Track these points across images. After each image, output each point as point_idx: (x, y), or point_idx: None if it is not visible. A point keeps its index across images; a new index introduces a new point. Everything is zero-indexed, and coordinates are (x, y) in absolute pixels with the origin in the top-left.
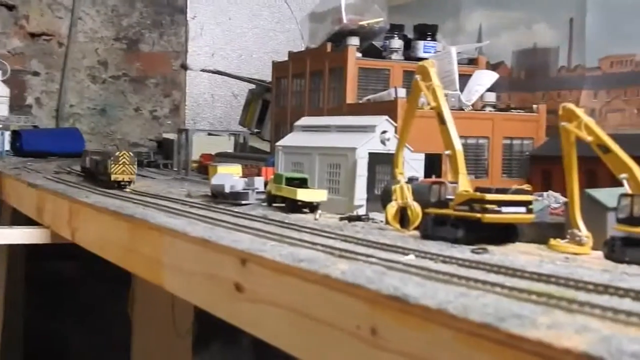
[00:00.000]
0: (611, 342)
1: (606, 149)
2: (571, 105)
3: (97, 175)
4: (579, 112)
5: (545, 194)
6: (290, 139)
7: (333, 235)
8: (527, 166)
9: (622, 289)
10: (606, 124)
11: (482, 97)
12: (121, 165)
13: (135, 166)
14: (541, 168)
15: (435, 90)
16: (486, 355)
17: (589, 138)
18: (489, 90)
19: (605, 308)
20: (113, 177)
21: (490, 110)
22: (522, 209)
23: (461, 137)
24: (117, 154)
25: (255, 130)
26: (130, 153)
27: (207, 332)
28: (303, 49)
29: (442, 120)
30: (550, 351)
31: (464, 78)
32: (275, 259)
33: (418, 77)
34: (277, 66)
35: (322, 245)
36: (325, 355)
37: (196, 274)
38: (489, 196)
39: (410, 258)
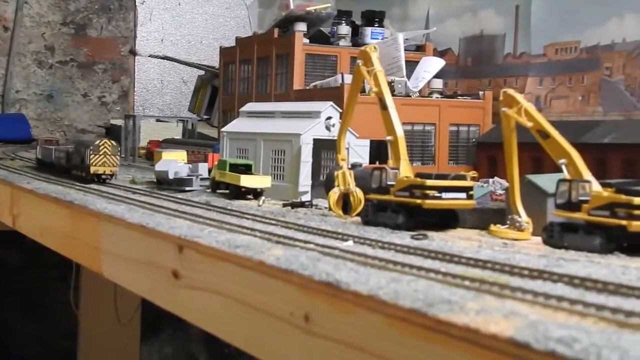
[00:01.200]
0: (538, 327)
1: (546, 135)
2: (511, 91)
3: (69, 168)
4: (519, 97)
5: (491, 180)
6: (235, 125)
7: (274, 222)
8: (474, 153)
9: (556, 274)
10: (551, 110)
11: (429, 83)
12: (102, 156)
13: (118, 157)
14: (487, 154)
15: (377, 75)
16: (415, 340)
17: (529, 124)
18: (435, 76)
19: (537, 293)
20: (93, 169)
21: (437, 97)
22: (463, 195)
23: (408, 123)
24: (97, 142)
25: (205, 116)
26: (112, 142)
27: (155, 319)
28: (251, 35)
29: (384, 106)
30: (478, 336)
31: (411, 64)
32: (211, 245)
33: (360, 62)
34: (224, 52)
35: (261, 232)
36: (260, 343)
37: (134, 261)
38: (429, 182)
39: (349, 244)
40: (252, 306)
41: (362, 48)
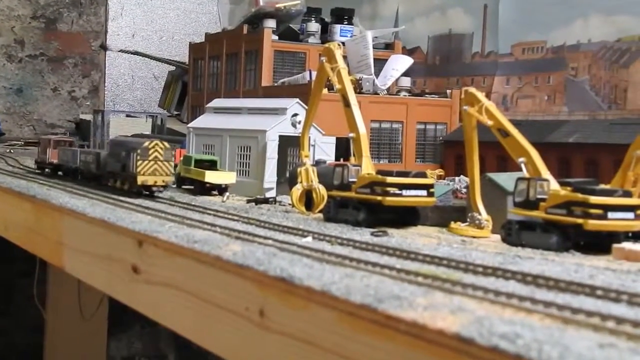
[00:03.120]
0: (484, 323)
1: (506, 133)
2: (473, 90)
3: (100, 176)
4: (480, 96)
5: (457, 178)
6: (201, 121)
7: (236, 218)
8: (441, 151)
9: (509, 272)
10: (517, 110)
11: (397, 81)
12: (152, 162)
13: (172, 163)
14: (454, 152)
15: (341, 72)
16: (365, 335)
17: (490, 122)
18: (404, 75)
19: (487, 290)
20: (140, 179)
21: (405, 95)
22: (423, 193)
23: (376, 121)
24: (146, 144)
25: (175, 112)
26: (165, 143)
27: (123, 315)
28: (220, 31)
29: (347, 103)
30: (425, 332)
31: (380, 62)
32: (170, 240)
33: (324, 59)
34: (194, 48)
35: (222, 227)
36: (216, 338)
37: (95, 256)
38: (390, 179)
39: (308, 240)
40: (209, 301)
41: (326, 45)
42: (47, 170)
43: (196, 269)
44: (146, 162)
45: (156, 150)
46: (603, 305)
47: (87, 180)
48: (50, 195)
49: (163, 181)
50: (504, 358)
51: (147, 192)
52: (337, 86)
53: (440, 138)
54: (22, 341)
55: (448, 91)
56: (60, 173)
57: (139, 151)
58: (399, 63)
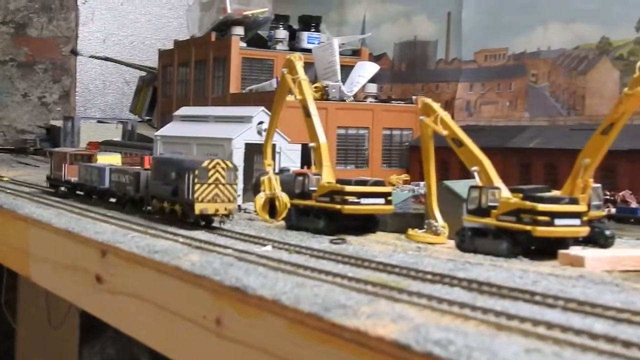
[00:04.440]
0: (420, 330)
1: (460, 143)
2: (428, 100)
3: (140, 201)
4: (436, 106)
5: (422, 183)
6: (168, 129)
7: (199, 226)
8: (407, 156)
9: (456, 279)
10: (480, 115)
11: (363, 88)
12: (212, 187)
13: (237, 186)
14: (419, 158)
15: (302, 83)
16: (313, 343)
17: (445, 132)
18: (370, 81)
19: (431, 297)
20: (199, 207)
21: (371, 101)
22: (381, 200)
23: (342, 127)
24: (204, 164)
25: (146, 117)
26: (228, 163)
27: (96, 321)
28: (188, 38)
29: (307, 113)
30: (366, 339)
31: (347, 69)
32: (132, 250)
33: (285, 70)
34: (163, 54)
35: (184, 237)
36: (175, 346)
37: (60, 265)
38: (349, 188)
39: (267, 249)
40: (169, 310)
41: (287, 57)
42: (62, 189)
43: (156, 278)
44: (205, 185)
45: (217, 171)
46: (538, 311)
47: (121, 204)
48: (16, 205)
49: (226, 209)
50: None
51: (205, 223)
52: (298, 97)
53: (406, 143)
54: None
55: (414, 97)
56: (80, 193)
57: (196, 172)
58: (366, 70)
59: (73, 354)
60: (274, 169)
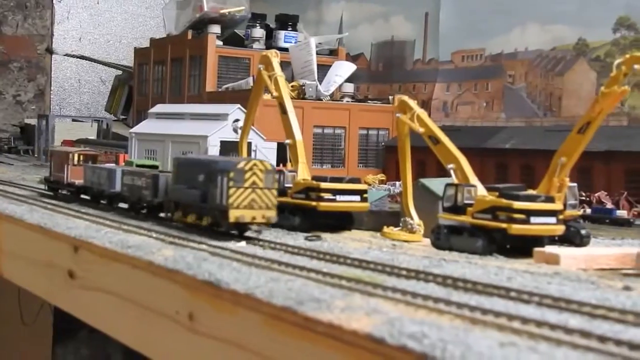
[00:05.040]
0: (395, 324)
1: (436, 140)
2: (405, 97)
3: (158, 208)
4: (412, 104)
5: (397, 182)
6: (143, 126)
7: (173, 223)
8: (383, 156)
9: (432, 275)
10: (457, 116)
11: (340, 87)
12: (249, 191)
13: (275, 191)
14: (396, 158)
15: (278, 80)
16: (287, 337)
17: (421, 129)
18: (347, 81)
19: (405, 292)
20: (234, 214)
21: (348, 101)
22: (357, 198)
23: (318, 127)
24: (240, 165)
25: (122, 116)
26: (266, 163)
27: (70, 320)
28: (164, 36)
29: (283, 110)
30: (340, 332)
31: (324, 68)
32: (105, 245)
33: (261, 67)
34: (138, 53)
35: (158, 232)
36: (148, 341)
37: (33, 261)
38: (324, 185)
39: (242, 245)
40: (142, 305)
41: (263, 53)
42: (62, 192)
43: (130, 273)
44: (241, 190)
45: (254, 174)
46: (513, 306)
47: (134, 211)
48: None
49: (263, 217)
50: (411, 357)
51: (237, 231)
52: (275, 94)
53: (382, 143)
54: None
55: (390, 97)
56: (85, 197)
57: (231, 175)
58: (343, 69)
59: (47, 353)
60: None
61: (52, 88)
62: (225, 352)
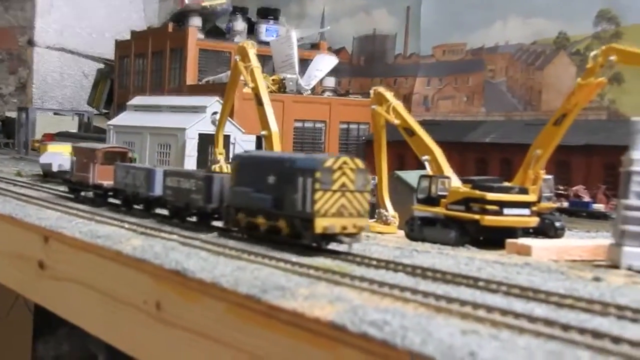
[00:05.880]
0: (357, 311)
1: (412, 132)
2: (381, 89)
3: (210, 214)
4: (389, 95)
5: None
6: (122, 118)
7: (147, 214)
8: (363, 150)
9: (401, 264)
10: (438, 110)
11: (321, 81)
12: (339, 195)
13: (368, 195)
14: None
15: (254, 71)
16: (251, 325)
17: (397, 121)
18: (329, 74)
19: (373, 281)
20: (321, 223)
21: (329, 95)
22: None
23: (299, 120)
24: (329, 162)
25: (104, 110)
26: (359, 161)
27: (50, 316)
28: (145, 29)
29: (259, 102)
30: (303, 320)
31: (306, 62)
32: (74, 235)
33: (237, 57)
34: (120, 45)
35: (130, 223)
36: (116, 331)
37: (3, 253)
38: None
39: (213, 235)
40: (110, 295)
41: (240, 44)
42: (84, 194)
43: (99, 263)
44: (329, 193)
45: (344, 174)
46: (480, 296)
47: (179, 218)
48: None
49: (354, 226)
50: (372, 344)
51: (318, 243)
52: (250, 84)
53: (363, 137)
54: None
55: (371, 91)
56: (115, 201)
57: (317, 175)
58: (324, 63)
59: (27, 349)
60: (227, 158)
61: (34, 81)
62: (190, 340)
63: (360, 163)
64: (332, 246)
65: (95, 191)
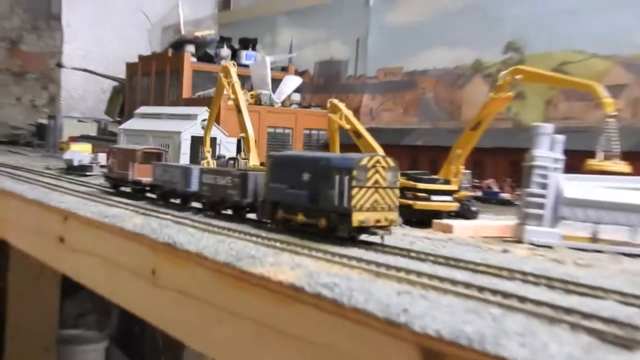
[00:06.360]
0: (313, 276)
1: (358, 135)
2: (335, 100)
3: (247, 208)
4: (341, 106)
5: None
6: (130, 124)
7: (147, 199)
8: (322, 151)
9: (354, 241)
10: (380, 120)
11: (289, 97)
12: (372, 191)
13: (398, 191)
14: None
15: (235, 86)
16: (228, 287)
17: (347, 126)
18: (295, 91)
19: (326, 252)
20: (358, 217)
21: (295, 107)
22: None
23: (271, 127)
24: (364, 161)
25: (117, 118)
26: (390, 160)
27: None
28: (149, 54)
29: (239, 110)
30: (269, 283)
31: (277, 81)
32: (87, 215)
33: (222, 74)
34: (129, 66)
35: (133, 206)
36: (119, 293)
37: (31, 229)
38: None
39: (200, 217)
40: (116, 263)
41: (223, 64)
42: (122, 189)
43: (106, 237)
44: (364, 190)
45: (377, 171)
46: (412, 264)
47: (215, 210)
48: None
49: (386, 219)
50: (324, 302)
51: (354, 235)
52: (232, 96)
53: (322, 141)
54: None
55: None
56: (151, 195)
57: (354, 173)
58: (291, 82)
59: (55, 307)
60: (213, 155)
61: (61, 95)
62: (179, 301)
63: (391, 161)
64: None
65: (134, 186)
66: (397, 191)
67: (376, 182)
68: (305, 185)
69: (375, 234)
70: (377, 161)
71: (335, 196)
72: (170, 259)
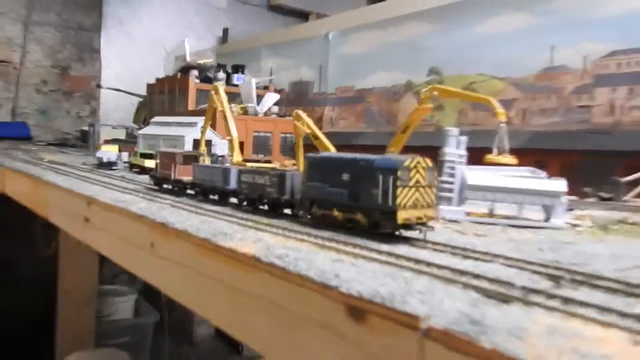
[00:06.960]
0: (270, 248)
1: (316, 137)
2: (299, 111)
3: (286, 204)
4: (303, 115)
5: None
6: (147, 130)
7: (156, 188)
8: (294, 150)
9: (304, 219)
10: (338, 126)
11: (270, 109)
12: (413, 190)
13: (435, 189)
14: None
15: (222, 100)
16: (206, 257)
17: (308, 131)
18: (274, 104)
19: (284, 228)
20: (403, 215)
21: (274, 117)
22: None
23: (256, 131)
24: (407, 162)
25: (142, 126)
26: (429, 161)
27: None
28: (164, 76)
29: (225, 118)
30: (235, 254)
31: (260, 97)
32: (105, 200)
33: (213, 92)
34: (149, 86)
35: (143, 193)
36: (126, 260)
37: (64, 211)
38: (249, 164)
39: (191, 202)
40: (124, 238)
41: (214, 84)
42: (165, 187)
43: (117, 218)
44: (407, 189)
45: (418, 172)
46: (350, 238)
47: (252, 206)
48: (42, 174)
49: (425, 216)
50: (276, 269)
51: (398, 231)
52: (220, 108)
53: (294, 142)
54: (39, 270)
55: (294, 114)
56: (191, 192)
57: (399, 174)
58: (271, 98)
59: (96, 269)
60: (208, 154)
61: (100, 108)
62: (172, 267)
63: (429, 162)
64: (268, 212)
65: (176, 185)
66: (434, 189)
67: (417, 181)
68: (345, 185)
69: (418, 230)
70: (418, 162)
71: (379, 195)
72: (164, 234)
